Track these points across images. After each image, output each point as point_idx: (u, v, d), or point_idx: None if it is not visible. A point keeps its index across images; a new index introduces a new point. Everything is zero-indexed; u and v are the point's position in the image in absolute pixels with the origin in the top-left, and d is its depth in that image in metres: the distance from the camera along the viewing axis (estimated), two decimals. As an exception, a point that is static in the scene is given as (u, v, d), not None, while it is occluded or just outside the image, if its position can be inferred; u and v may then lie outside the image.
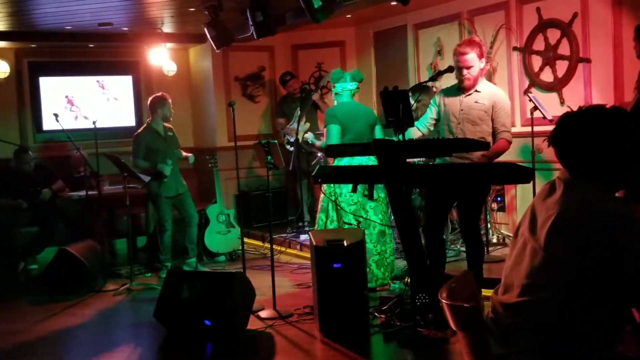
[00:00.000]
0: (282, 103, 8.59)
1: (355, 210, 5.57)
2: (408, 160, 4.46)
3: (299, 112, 7.80)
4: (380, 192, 5.66)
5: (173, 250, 7.02)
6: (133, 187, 7.11)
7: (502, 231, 6.72)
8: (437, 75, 4.85)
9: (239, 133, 8.92)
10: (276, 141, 5.78)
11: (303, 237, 7.67)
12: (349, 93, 5.76)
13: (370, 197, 4.97)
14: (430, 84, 7.37)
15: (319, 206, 5.80)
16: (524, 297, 2.13)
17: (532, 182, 5.82)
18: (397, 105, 4.39)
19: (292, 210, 8.74)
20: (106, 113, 8.77)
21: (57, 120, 6.98)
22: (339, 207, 5.62)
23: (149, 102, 6.99)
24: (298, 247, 7.53)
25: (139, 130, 6.95)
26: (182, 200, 7.03)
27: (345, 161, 5.57)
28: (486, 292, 5.18)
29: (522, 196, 6.80)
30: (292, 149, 7.90)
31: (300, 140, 7.39)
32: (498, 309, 2.21)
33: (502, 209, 6.91)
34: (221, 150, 8.57)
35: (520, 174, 4.15)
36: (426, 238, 4.96)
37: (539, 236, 2.14)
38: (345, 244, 4.70)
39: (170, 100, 6.93)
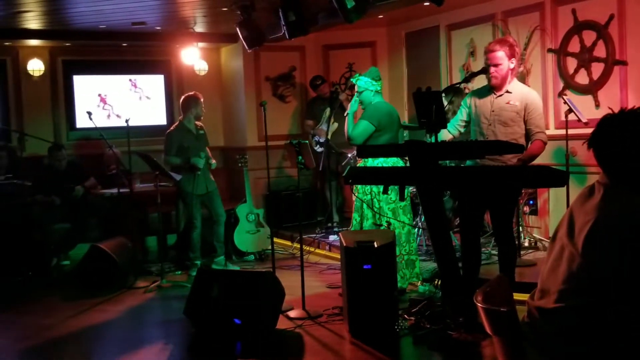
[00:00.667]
0: (311, 105, 8.59)
1: (394, 208, 5.54)
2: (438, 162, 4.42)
3: (328, 113, 7.79)
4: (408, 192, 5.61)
5: (201, 248, 7.05)
6: (164, 185, 7.16)
7: (534, 235, 6.64)
8: (470, 77, 4.79)
9: (269, 133, 9.04)
10: (307, 141, 5.76)
11: (332, 237, 7.66)
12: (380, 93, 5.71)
13: (401, 198, 4.95)
14: (462, 85, 7.33)
15: (354, 206, 5.76)
16: (561, 303, 2.09)
17: (565, 186, 5.74)
18: (430, 107, 4.37)
19: (321, 210, 8.74)
20: (138, 111, 8.85)
21: (91, 118, 7.07)
22: (374, 206, 5.57)
23: (181, 100, 7.04)
24: (327, 247, 7.52)
25: (171, 128, 7.00)
26: (211, 198, 7.06)
27: (379, 161, 5.52)
28: (518, 297, 5.15)
29: (555, 200, 6.71)
30: (321, 149, 7.88)
31: (329, 141, 7.38)
32: (534, 314, 2.18)
33: (534, 212, 6.83)
34: (251, 150, 8.61)
35: (555, 177, 4.08)
36: (462, 241, 4.91)
37: (577, 241, 2.10)
38: (376, 246, 4.68)
39: (202, 100, 6.98)
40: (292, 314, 5.24)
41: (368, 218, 5.66)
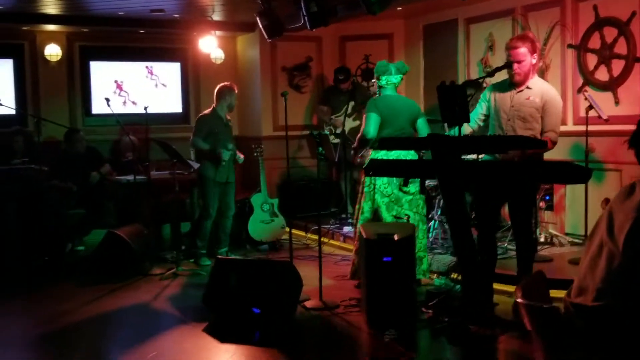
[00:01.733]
0: (328, 93, 8.52)
1: (387, 202, 5.53)
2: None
3: (351, 108, 7.78)
4: (414, 186, 5.57)
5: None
6: (179, 173, 7.17)
7: (550, 230, 6.63)
8: (495, 71, 4.77)
9: (284, 123, 9.02)
10: (328, 132, 5.75)
11: (346, 228, 7.67)
12: (393, 86, 5.66)
13: (422, 191, 4.94)
14: (481, 80, 7.30)
15: (358, 198, 5.77)
16: (600, 301, 2.10)
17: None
18: (453, 101, 4.35)
19: (335, 201, 8.74)
20: (154, 99, 8.86)
21: (109, 105, 7.07)
22: (372, 200, 5.57)
23: (216, 89, 7.00)
24: (341, 238, 7.53)
25: (205, 112, 6.99)
26: (227, 189, 7.06)
27: (381, 154, 5.52)
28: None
29: (571, 195, 6.71)
30: (337, 141, 7.87)
31: (346, 133, 7.37)
32: (571, 311, 2.19)
33: (550, 208, 6.82)
34: (266, 140, 8.61)
35: (578, 173, 4.08)
36: (479, 235, 4.92)
37: (617, 239, 2.10)
38: (396, 238, 4.69)
39: (237, 91, 6.98)
40: (309, 304, 5.25)
41: (364, 211, 5.63)
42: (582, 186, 6.20)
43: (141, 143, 7.59)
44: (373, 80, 5.79)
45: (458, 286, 5.39)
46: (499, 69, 4.74)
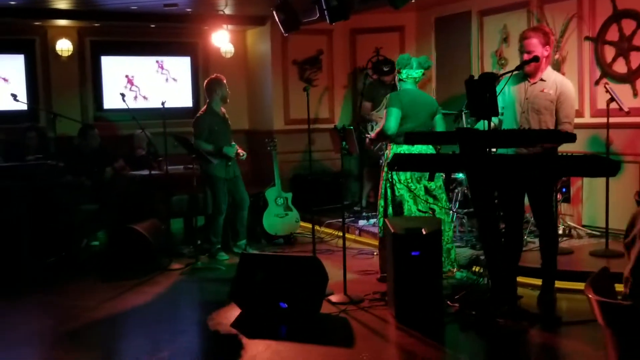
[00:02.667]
0: (371, 88, 8.40)
1: (413, 197, 5.51)
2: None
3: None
4: (436, 181, 5.56)
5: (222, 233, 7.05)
6: (190, 167, 7.17)
7: (567, 222, 6.65)
8: (522, 65, 4.77)
9: (295, 116, 9.06)
10: (352, 127, 5.74)
11: (362, 222, 7.67)
12: (413, 81, 5.62)
13: (447, 185, 4.95)
14: (495, 71, 7.31)
15: (380, 193, 5.75)
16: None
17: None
18: (482, 94, 4.35)
19: (349, 195, 8.74)
20: (165, 93, 8.81)
21: (124, 100, 7.05)
22: (396, 195, 5.56)
23: (205, 84, 6.98)
24: (357, 232, 7.53)
25: (201, 112, 6.94)
26: (236, 183, 7.05)
27: (404, 149, 5.51)
28: (560, 285, 5.18)
29: (588, 187, 6.72)
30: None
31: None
32: None
33: (567, 200, 6.82)
34: (277, 134, 8.60)
35: (607, 166, 4.10)
36: (506, 228, 4.92)
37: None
38: (424, 232, 4.69)
39: (225, 81, 6.91)
40: (334, 298, 5.26)
41: (388, 205, 5.63)
42: (600, 178, 6.22)
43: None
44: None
45: (481, 279, 5.42)
46: (526, 62, 4.73)
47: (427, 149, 5.53)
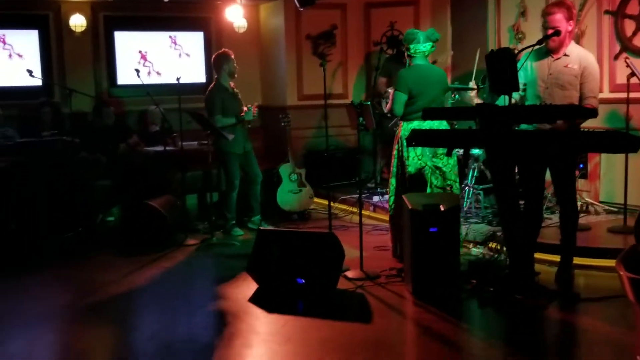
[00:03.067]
0: (387, 63, 8.31)
1: (427, 174, 5.49)
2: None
3: None
4: (447, 158, 5.52)
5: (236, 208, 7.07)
6: (204, 143, 7.16)
7: (585, 198, 6.61)
8: (544, 39, 4.71)
9: (308, 92, 9.01)
10: (369, 102, 5.69)
11: (376, 198, 7.65)
12: (422, 55, 5.54)
13: (464, 164, 4.92)
14: (512, 46, 7.24)
15: (390, 171, 5.71)
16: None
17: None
18: (503, 69, 4.30)
19: (363, 171, 8.71)
20: (178, 69, 8.79)
21: (139, 76, 7.03)
22: (398, 172, 5.54)
23: (212, 59, 6.96)
24: (371, 208, 7.51)
25: (211, 87, 6.91)
26: (248, 158, 7.05)
27: (414, 125, 5.46)
28: (578, 261, 5.17)
29: (606, 163, 6.67)
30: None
31: None
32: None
33: (584, 176, 6.78)
34: (290, 109, 8.56)
35: (628, 142, 4.05)
36: (526, 204, 4.90)
37: None
38: (442, 209, 4.67)
39: (233, 56, 6.87)
40: (350, 274, 5.26)
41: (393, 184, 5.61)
42: (618, 154, 6.17)
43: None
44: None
45: (497, 255, 5.41)
46: (547, 37, 4.67)
47: (440, 124, 5.47)
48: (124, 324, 4.56)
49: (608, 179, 6.63)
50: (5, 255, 6.30)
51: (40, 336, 4.31)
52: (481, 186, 6.58)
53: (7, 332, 4.36)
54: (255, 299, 4.84)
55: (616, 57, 6.50)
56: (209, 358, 3.84)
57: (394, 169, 5.65)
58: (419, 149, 5.44)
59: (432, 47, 5.62)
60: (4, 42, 8.09)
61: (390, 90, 5.59)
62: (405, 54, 5.68)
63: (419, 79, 5.48)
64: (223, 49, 6.96)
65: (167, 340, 4.15)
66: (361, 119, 5.34)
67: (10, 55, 8.11)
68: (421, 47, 5.54)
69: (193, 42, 9.04)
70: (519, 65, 4.97)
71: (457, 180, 5.60)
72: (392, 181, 5.66)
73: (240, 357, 3.88)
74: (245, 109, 6.83)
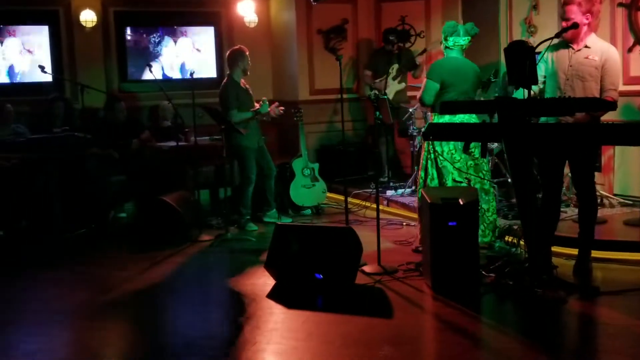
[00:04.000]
0: (376, 56, 8.43)
1: (460, 167, 5.47)
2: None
3: (395, 71, 7.66)
4: (477, 151, 5.50)
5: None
6: (217, 138, 7.16)
7: (599, 191, 6.57)
8: (560, 33, 4.68)
9: (320, 87, 8.99)
10: (386, 96, 5.67)
11: (389, 192, 7.64)
12: (460, 49, 5.55)
13: (483, 154, 4.91)
14: (524, 39, 7.19)
15: (420, 164, 5.70)
16: None
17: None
18: (522, 62, 4.29)
19: (372, 165, 8.69)
20: (189, 64, 8.79)
21: (151, 71, 7.04)
22: (440, 166, 5.52)
23: (227, 54, 6.99)
24: (385, 202, 7.50)
25: (225, 82, 6.91)
26: (263, 152, 7.07)
27: (446, 119, 5.45)
28: (596, 254, 5.15)
29: (620, 156, 6.66)
30: (411, 110, 7.64)
31: (391, 98, 7.29)
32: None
33: (597, 168, 6.73)
34: (302, 104, 8.54)
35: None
36: (543, 198, 4.89)
37: None
38: (461, 203, 4.66)
39: (247, 53, 6.88)
40: (368, 269, 5.25)
41: (434, 178, 5.59)
42: (632, 147, 6.14)
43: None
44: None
45: (514, 249, 5.40)
46: (565, 30, 4.65)
47: (470, 118, 5.45)
48: (143, 321, 4.55)
49: (622, 172, 6.62)
50: (17, 252, 6.31)
51: (59, 334, 4.31)
52: (495, 180, 6.56)
53: (25, 330, 4.37)
54: (274, 295, 4.83)
55: (630, 50, 6.47)
56: (230, 355, 3.84)
57: (423, 162, 5.63)
58: (451, 143, 5.42)
59: (470, 41, 5.62)
60: (14, 35, 8.07)
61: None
62: (442, 46, 5.66)
63: (453, 71, 5.48)
64: (239, 46, 6.97)
65: (187, 337, 4.15)
66: (378, 112, 5.30)
67: (20, 52, 8.10)
68: (460, 40, 5.55)
69: (204, 37, 9.01)
70: (539, 57, 4.97)
71: (487, 175, 5.58)
72: (422, 174, 5.63)
73: (261, 353, 3.87)
74: (257, 105, 6.82)
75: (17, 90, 8.01)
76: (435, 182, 5.58)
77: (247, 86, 6.97)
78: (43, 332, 4.33)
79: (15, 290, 5.17)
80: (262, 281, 5.08)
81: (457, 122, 5.35)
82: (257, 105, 6.88)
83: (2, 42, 8.00)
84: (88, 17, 8.21)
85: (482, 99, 6.27)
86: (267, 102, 6.81)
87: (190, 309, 4.78)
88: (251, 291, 4.94)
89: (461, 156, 5.44)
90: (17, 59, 8.08)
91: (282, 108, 7.00)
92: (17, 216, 7.14)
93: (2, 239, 6.66)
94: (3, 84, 8.03)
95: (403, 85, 7.61)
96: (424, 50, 7.99)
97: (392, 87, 7.53)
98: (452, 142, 5.38)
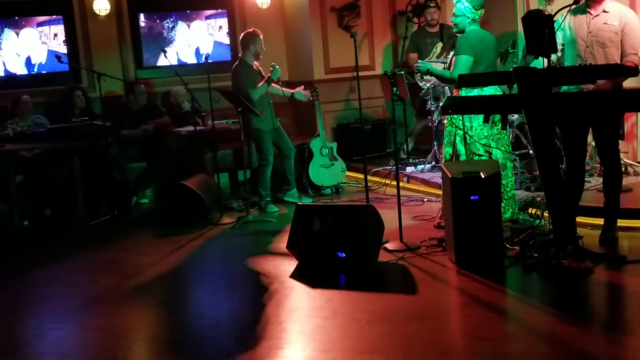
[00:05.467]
0: (416, 37, 8.27)
1: (487, 144, 5.39)
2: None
3: (439, 49, 7.60)
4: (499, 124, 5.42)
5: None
6: (235, 121, 7.16)
7: (622, 159, 6.49)
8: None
9: (335, 65, 8.93)
10: (403, 72, 5.61)
11: (409, 169, 7.60)
12: (478, 20, 5.42)
13: (503, 127, 4.85)
14: (542, 7, 7.08)
15: (445, 140, 5.62)
16: None
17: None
18: (541, 31, 4.22)
19: (391, 142, 8.66)
20: (202, 47, 8.77)
21: (166, 57, 7.03)
22: (468, 142, 5.42)
23: (241, 37, 6.98)
24: (405, 179, 7.46)
25: (236, 65, 6.91)
26: (279, 133, 7.07)
27: (474, 93, 5.35)
28: (622, 223, 5.10)
29: (644, 123, 6.55)
30: (427, 85, 7.55)
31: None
32: None
33: (620, 136, 6.64)
34: (318, 83, 8.50)
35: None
36: (567, 167, 4.83)
37: None
38: (483, 176, 4.62)
39: (261, 37, 6.85)
40: (390, 246, 5.24)
41: (461, 154, 5.51)
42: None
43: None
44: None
45: (537, 221, 5.35)
46: (583, -5, 4.57)
47: (495, 90, 5.34)
48: (171, 305, 4.58)
49: None
50: (43, 241, 6.38)
51: (87, 319, 4.36)
52: (517, 152, 6.50)
53: (56, 317, 4.42)
54: (297, 275, 4.84)
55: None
56: (257, 335, 3.85)
57: (450, 137, 5.50)
58: (480, 118, 5.33)
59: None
60: (30, 26, 8.09)
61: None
62: (466, 22, 5.41)
63: (481, 43, 5.35)
64: (253, 29, 6.95)
65: (214, 319, 4.18)
66: (395, 89, 5.25)
67: (37, 42, 8.12)
68: (480, 12, 5.39)
69: (217, 20, 8.97)
70: (556, 25, 4.88)
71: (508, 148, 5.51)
72: (448, 150, 5.55)
73: (288, 332, 3.89)
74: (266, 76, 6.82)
75: (35, 81, 8.04)
76: (463, 158, 5.50)
77: (260, 68, 6.95)
78: (71, 318, 4.38)
79: (41, 278, 5.23)
80: (285, 261, 5.10)
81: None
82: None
83: (18, 34, 8.02)
84: (101, 5, 8.21)
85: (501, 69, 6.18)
86: (277, 67, 6.76)
87: (215, 291, 4.82)
88: (274, 272, 4.95)
89: (490, 131, 5.33)
90: (34, 50, 8.10)
91: (308, 92, 7.03)
92: (40, 206, 7.23)
93: (27, 229, 6.73)
94: (21, 75, 8.06)
95: (440, 62, 7.52)
96: None
97: (437, 66, 7.43)
98: (481, 118, 5.28)
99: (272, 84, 6.86)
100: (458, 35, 5.38)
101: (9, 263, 5.79)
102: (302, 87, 7.11)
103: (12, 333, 4.17)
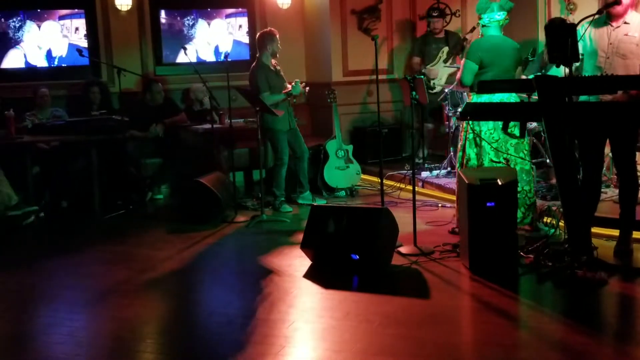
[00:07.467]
0: (422, 41, 8.36)
1: (497, 147, 5.40)
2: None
3: (445, 54, 7.60)
4: (518, 130, 5.42)
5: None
6: (251, 120, 7.19)
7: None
8: (605, 8, 4.59)
9: (353, 68, 8.94)
10: (423, 76, 5.62)
11: (425, 174, 7.60)
12: (497, 24, 5.43)
13: (522, 135, 4.85)
14: (563, 16, 7.08)
15: (459, 145, 5.64)
16: None
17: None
18: (564, 40, 4.21)
19: (408, 147, 8.66)
20: (222, 46, 8.80)
21: (186, 54, 7.08)
22: (478, 145, 5.46)
23: (257, 37, 7.00)
24: (420, 184, 7.45)
25: (253, 67, 6.93)
26: (295, 134, 7.09)
27: (484, 98, 5.37)
28: (637, 235, 5.07)
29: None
30: (435, 90, 7.58)
31: (443, 82, 7.26)
32: None
33: (638, 148, 6.59)
34: (336, 85, 8.51)
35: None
36: (584, 177, 4.82)
37: None
38: (500, 183, 4.62)
39: (277, 36, 6.87)
40: (404, 250, 5.24)
41: (470, 159, 5.51)
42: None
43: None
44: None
45: (552, 230, 5.34)
46: (609, 5, 4.56)
47: (509, 97, 5.36)
48: (184, 300, 4.61)
49: None
50: (59, 233, 6.43)
51: (101, 311, 4.40)
52: (534, 160, 6.48)
53: (70, 309, 4.46)
54: (310, 275, 4.85)
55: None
56: (269, 333, 3.87)
57: (462, 142, 5.55)
58: (490, 123, 5.36)
59: (506, 17, 5.52)
60: (52, 19, 8.15)
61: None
62: (479, 26, 5.58)
63: (492, 49, 5.39)
64: (269, 28, 6.98)
65: (226, 316, 4.19)
66: (414, 93, 5.26)
67: (58, 36, 8.19)
68: (495, 15, 5.43)
69: (237, 19, 9.01)
70: (577, 35, 4.87)
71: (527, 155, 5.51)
72: (461, 154, 5.56)
73: (299, 331, 3.90)
74: (289, 86, 6.84)
75: (55, 74, 8.09)
76: (473, 163, 5.52)
77: (278, 67, 6.98)
78: (85, 310, 4.42)
79: (56, 270, 5.28)
80: (298, 262, 5.11)
81: (496, 101, 5.28)
82: (288, 87, 6.89)
83: (39, 27, 8.09)
84: (123, 1, 8.25)
85: (522, 77, 6.17)
86: (300, 84, 6.80)
87: (227, 288, 4.85)
88: (287, 271, 4.97)
89: (500, 136, 5.35)
90: (55, 43, 8.16)
91: (308, 88, 6.99)
92: (57, 197, 7.29)
93: (43, 220, 6.79)
94: (42, 67, 8.13)
95: (455, 68, 7.53)
96: (473, 28, 7.89)
97: (444, 71, 7.44)
98: (491, 122, 5.31)
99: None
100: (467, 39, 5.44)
101: (27, 253, 5.84)
102: (299, 80, 7.02)
103: (29, 322, 4.22)
